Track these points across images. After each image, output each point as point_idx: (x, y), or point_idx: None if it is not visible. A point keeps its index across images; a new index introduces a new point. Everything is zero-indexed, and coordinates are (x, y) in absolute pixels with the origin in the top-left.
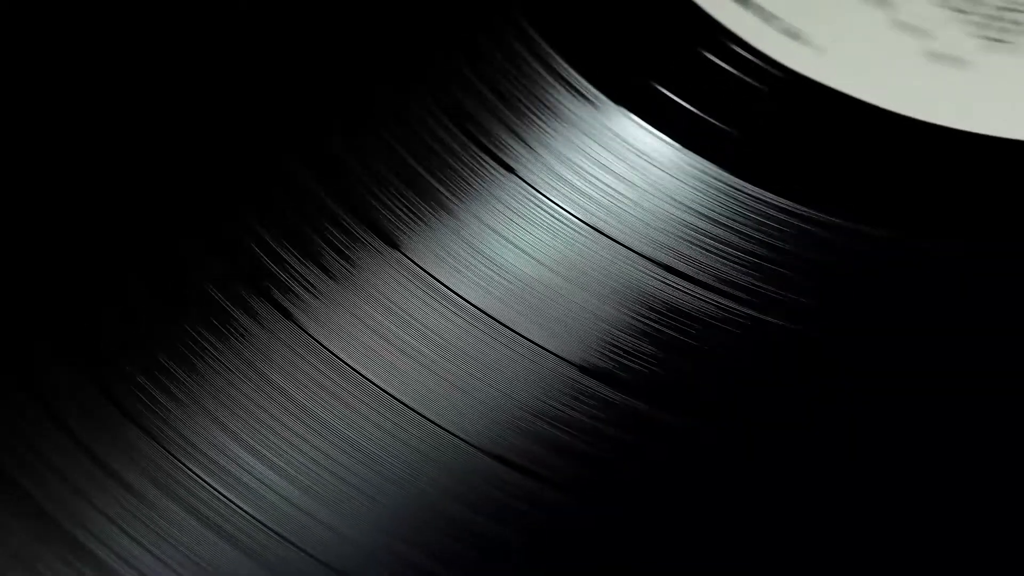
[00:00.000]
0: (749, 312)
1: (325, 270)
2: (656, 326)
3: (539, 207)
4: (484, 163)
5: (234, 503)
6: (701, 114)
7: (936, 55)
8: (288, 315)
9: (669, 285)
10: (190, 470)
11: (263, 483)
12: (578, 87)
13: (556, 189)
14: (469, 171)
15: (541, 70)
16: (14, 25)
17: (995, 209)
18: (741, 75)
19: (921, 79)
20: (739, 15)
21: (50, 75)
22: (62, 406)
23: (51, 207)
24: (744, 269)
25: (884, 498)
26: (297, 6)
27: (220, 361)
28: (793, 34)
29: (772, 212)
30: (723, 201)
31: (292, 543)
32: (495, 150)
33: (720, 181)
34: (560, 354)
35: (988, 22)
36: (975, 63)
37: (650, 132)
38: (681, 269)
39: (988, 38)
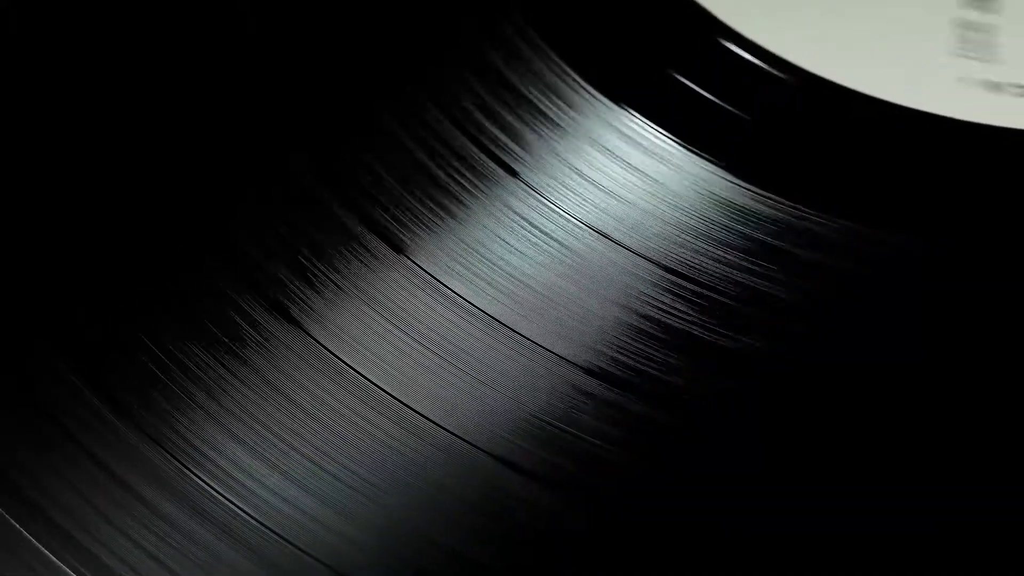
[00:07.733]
0: (751, 313)
1: (330, 275)
2: (659, 328)
3: (542, 210)
4: (487, 167)
5: (236, 505)
6: (703, 116)
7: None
8: (293, 320)
9: (671, 286)
10: (193, 473)
11: (266, 486)
12: (580, 90)
13: (559, 192)
14: (472, 175)
15: (544, 73)
16: (14, 25)
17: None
18: (743, 75)
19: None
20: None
21: (50, 76)
22: (62, 406)
23: (53, 208)
24: (746, 270)
25: (883, 497)
26: (300, 9)
27: (224, 365)
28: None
29: (774, 213)
30: (725, 202)
31: (296, 546)
32: (498, 153)
33: (722, 183)
34: (564, 356)
35: None
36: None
37: (652, 134)
38: (683, 271)
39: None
